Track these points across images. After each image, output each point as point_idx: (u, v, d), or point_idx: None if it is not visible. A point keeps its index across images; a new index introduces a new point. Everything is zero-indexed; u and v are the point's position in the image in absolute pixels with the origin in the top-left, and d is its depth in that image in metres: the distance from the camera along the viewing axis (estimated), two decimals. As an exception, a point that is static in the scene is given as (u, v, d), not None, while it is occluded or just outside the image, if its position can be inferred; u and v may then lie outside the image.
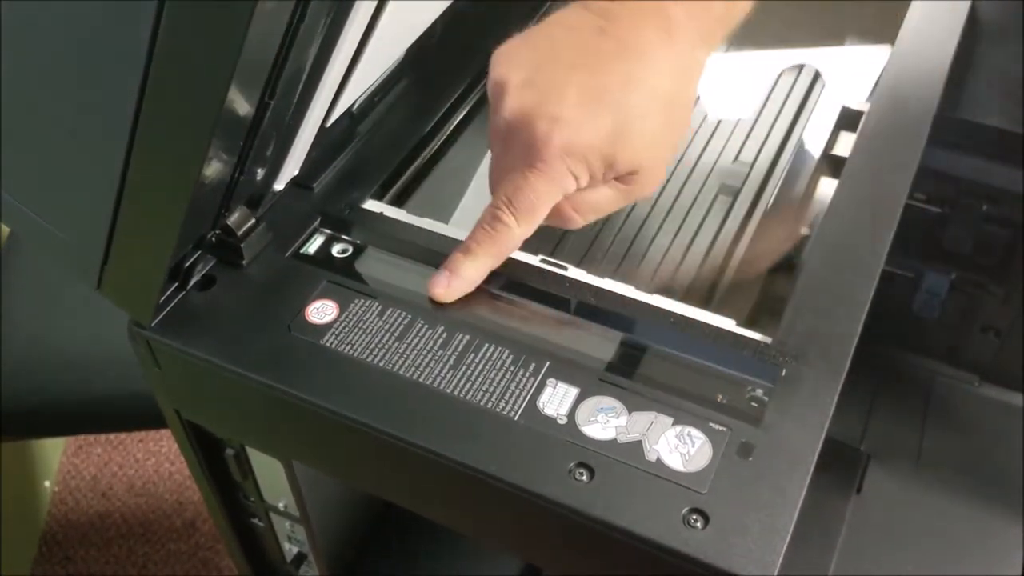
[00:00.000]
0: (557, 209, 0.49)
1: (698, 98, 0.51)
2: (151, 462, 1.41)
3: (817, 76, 0.68)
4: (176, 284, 0.49)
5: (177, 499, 1.37)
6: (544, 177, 0.47)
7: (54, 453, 1.41)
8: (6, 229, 1.09)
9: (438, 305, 0.49)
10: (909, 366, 0.80)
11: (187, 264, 0.49)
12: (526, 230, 0.49)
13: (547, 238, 0.58)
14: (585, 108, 0.46)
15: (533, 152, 0.47)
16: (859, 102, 0.62)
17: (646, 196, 0.51)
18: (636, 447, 0.42)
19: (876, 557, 0.68)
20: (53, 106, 0.42)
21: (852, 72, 0.68)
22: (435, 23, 0.63)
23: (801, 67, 0.69)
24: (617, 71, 0.47)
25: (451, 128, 0.61)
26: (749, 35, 0.71)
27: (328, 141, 0.57)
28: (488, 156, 0.61)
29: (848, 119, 0.63)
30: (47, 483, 1.38)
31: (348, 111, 0.58)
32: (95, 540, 1.33)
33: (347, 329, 0.47)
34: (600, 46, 0.48)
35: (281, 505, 0.59)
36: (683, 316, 0.48)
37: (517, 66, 0.49)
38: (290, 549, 0.65)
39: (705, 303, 0.54)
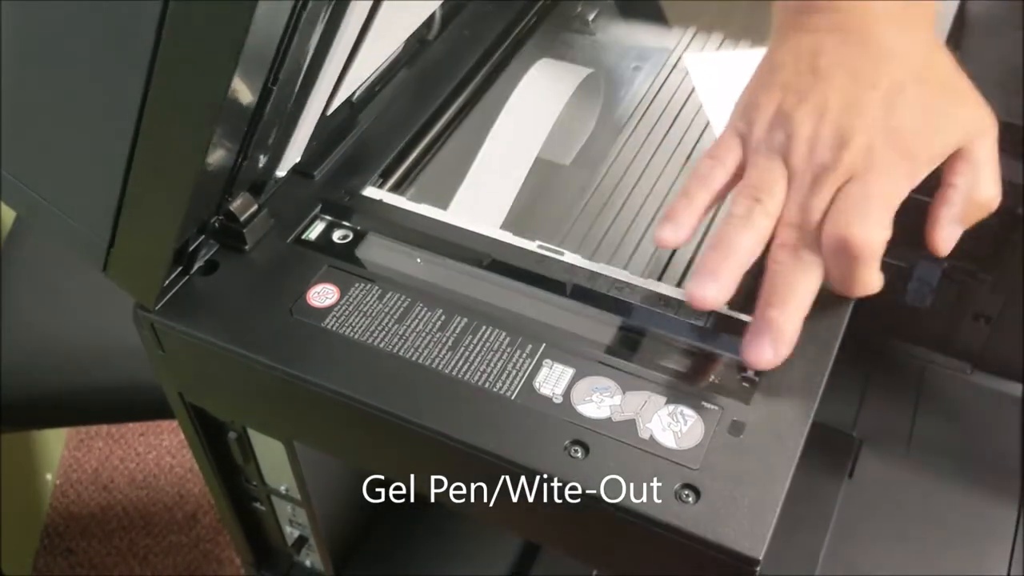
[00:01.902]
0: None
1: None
2: (152, 455, 1.42)
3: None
4: (180, 268, 0.50)
5: (178, 492, 1.38)
6: (887, 178, 0.44)
7: (56, 446, 1.42)
8: (7, 220, 1.09)
9: (437, 289, 0.50)
10: (901, 354, 0.81)
11: (191, 248, 0.50)
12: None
13: (545, 225, 0.59)
14: (894, 116, 0.45)
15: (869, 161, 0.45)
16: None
17: (994, 154, 0.48)
18: (630, 425, 0.43)
19: (867, 540, 0.69)
20: (60, 89, 0.43)
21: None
22: (434, 13, 0.64)
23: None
24: (891, 73, 0.46)
25: (449, 117, 0.62)
26: (747, 31, 0.72)
27: (329, 130, 0.58)
28: (485, 146, 0.62)
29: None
30: (49, 476, 1.39)
31: (348, 100, 0.59)
32: (96, 532, 1.34)
33: (348, 312, 0.48)
34: (854, 54, 0.47)
35: (283, 488, 0.60)
36: (676, 299, 0.49)
37: (789, 99, 0.47)
38: (291, 532, 0.66)
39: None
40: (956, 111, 0.47)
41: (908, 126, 0.45)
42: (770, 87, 0.48)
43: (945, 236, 0.48)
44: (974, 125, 0.47)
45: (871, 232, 0.44)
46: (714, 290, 0.45)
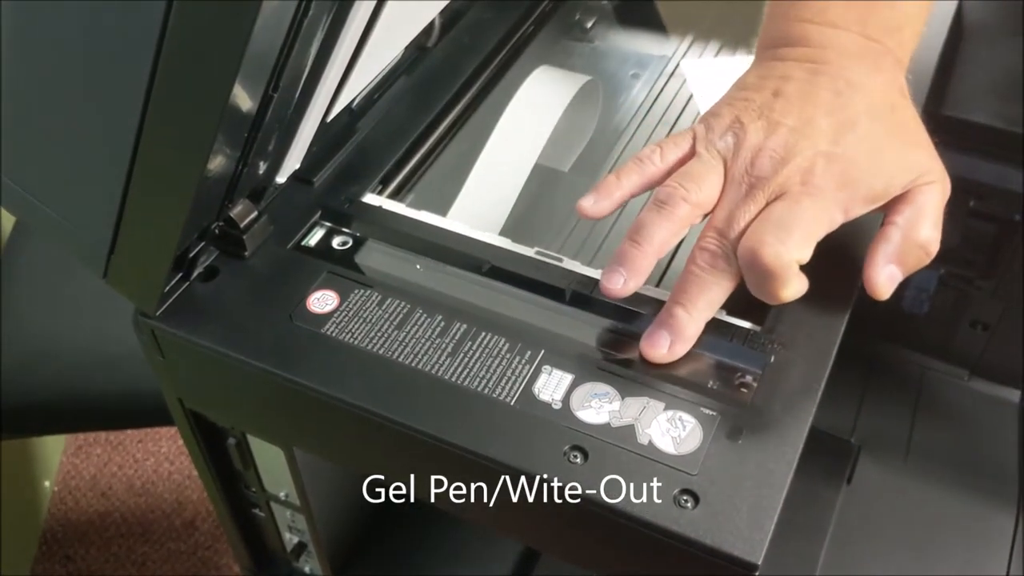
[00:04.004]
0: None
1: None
2: (150, 462, 1.42)
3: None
4: (180, 275, 0.50)
5: (176, 499, 1.38)
6: (818, 203, 0.45)
7: (54, 453, 1.42)
8: (7, 227, 1.10)
9: (436, 295, 0.50)
10: (899, 360, 0.81)
11: (191, 255, 0.50)
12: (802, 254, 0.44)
13: (543, 231, 0.59)
14: (840, 144, 0.46)
15: (806, 182, 0.45)
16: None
17: (939, 204, 0.47)
18: (629, 431, 0.44)
19: (865, 547, 0.69)
20: (61, 94, 0.43)
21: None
22: (433, 21, 0.64)
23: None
24: (849, 106, 0.47)
25: (448, 124, 0.62)
26: (744, 38, 0.73)
27: (328, 137, 0.58)
28: (484, 152, 0.62)
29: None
30: (47, 483, 1.39)
31: (348, 107, 0.59)
32: (95, 539, 1.33)
33: (347, 318, 0.48)
34: (818, 83, 0.48)
35: (282, 494, 0.60)
36: (675, 305, 0.49)
37: (749, 113, 0.48)
38: (290, 539, 0.66)
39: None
40: (905, 154, 0.47)
41: (852, 157, 0.46)
42: (734, 101, 0.50)
43: (882, 277, 0.46)
44: (922, 172, 0.47)
45: (784, 250, 0.43)
46: (621, 281, 0.47)
